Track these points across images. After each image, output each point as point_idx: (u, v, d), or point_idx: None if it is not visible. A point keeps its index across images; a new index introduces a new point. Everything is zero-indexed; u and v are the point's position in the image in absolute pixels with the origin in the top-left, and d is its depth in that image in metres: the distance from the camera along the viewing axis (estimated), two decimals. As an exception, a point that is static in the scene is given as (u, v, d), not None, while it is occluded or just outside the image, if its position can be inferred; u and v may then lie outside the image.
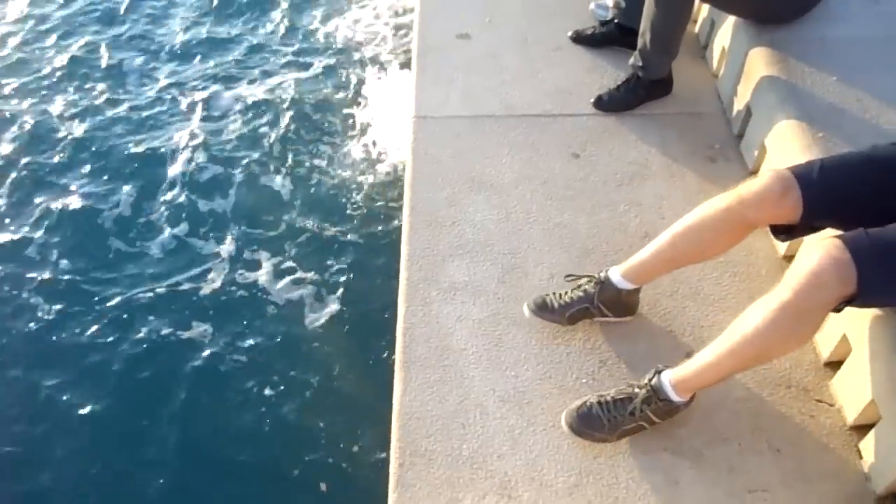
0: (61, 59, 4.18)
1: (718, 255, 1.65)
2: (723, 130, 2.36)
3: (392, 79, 3.90)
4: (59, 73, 4.11)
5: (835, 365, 1.71)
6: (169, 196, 3.38)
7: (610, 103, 2.41)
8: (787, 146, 1.93)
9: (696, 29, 2.74)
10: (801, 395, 1.70)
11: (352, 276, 3.05)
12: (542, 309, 1.76)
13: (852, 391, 1.62)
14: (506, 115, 2.45)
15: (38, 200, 3.41)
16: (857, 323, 1.57)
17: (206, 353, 2.81)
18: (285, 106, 3.77)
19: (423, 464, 1.62)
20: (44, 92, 3.99)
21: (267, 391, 2.71)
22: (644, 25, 2.22)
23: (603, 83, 2.49)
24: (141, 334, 2.88)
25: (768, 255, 1.99)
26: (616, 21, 2.57)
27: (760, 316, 1.32)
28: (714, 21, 2.56)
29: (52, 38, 4.36)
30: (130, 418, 2.67)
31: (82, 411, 2.68)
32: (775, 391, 1.71)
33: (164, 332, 2.88)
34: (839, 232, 1.34)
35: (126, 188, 3.42)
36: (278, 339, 2.86)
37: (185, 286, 3.02)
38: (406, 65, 3.67)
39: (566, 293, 1.76)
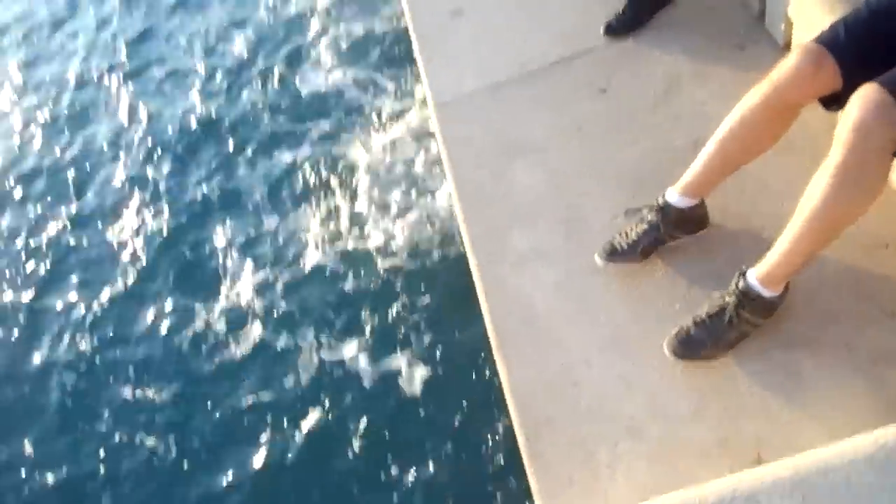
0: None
1: (770, 147, 1.61)
2: (742, 16, 2.28)
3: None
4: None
5: (927, 211, 1.65)
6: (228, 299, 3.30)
7: (620, 27, 2.36)
8: (810, 12, 1.86)
9: (684, -79, 2.64)
10: (902, 252, 1.64)
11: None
12: (613, 254, 1.77)
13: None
14: (522, 74, 2.44)
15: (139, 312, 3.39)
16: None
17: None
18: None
19: (548, 430, 1.66)
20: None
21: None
22: (627, -61, 2.17)
23: (608, 11, 2.44)
24: (260, 438, 2.80)
25: (829, 126, 1.91)
26: (600, -55, 2.52)
27: (822, 185, 1.30)
28: None
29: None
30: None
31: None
32: (872, 254, 1.66)
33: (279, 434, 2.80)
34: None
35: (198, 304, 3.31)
36: (382, 407, 2.76)
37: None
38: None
39: (631, 230, 1.75)
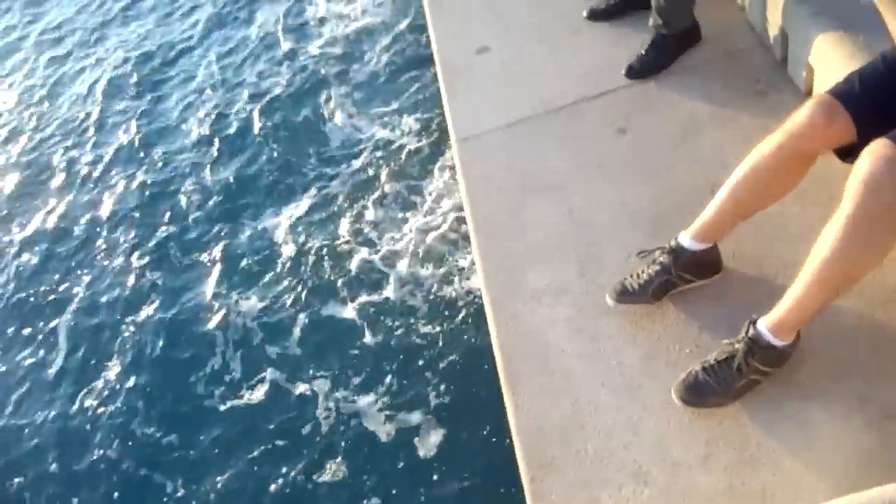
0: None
1: (785, 195, 1.61)
2: (765, 61, 2.29)
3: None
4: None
5: (946, 266, 1.62)
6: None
7: (642, 69, 2.38)
8: (831, 59, 1.86)
9: (712, -33, 2.67)
10: (918, 306, 1.62)
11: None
12: (624, 294, 1.77)
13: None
14: (544, 111, 2.47)
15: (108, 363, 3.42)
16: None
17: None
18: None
19: (553, 472, 1.65)
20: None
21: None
22: (652, -17, 2.20)
23: (630, 52, 2.47)
24: (272, 485, 2.79)
25: (847, 174, 1.90)
26: (625, -13, 2.56)
27: (832, 236, 1.29)
28: (726, -45, 2.50)
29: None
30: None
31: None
32: (889, 307, 1.64)
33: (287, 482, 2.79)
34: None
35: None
36: (395, 463, 2.76)
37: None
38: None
39: (643, 271, 1.76)
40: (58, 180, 4.53)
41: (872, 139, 1.45)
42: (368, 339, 3.11)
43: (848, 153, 1.48)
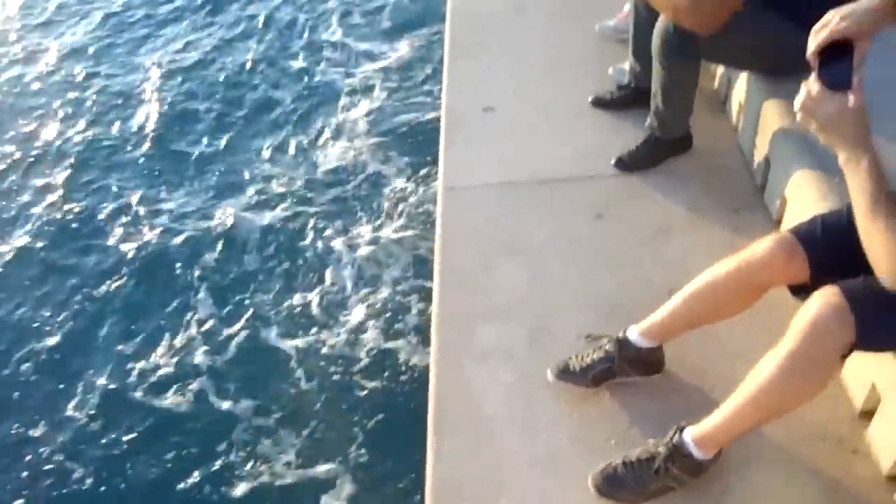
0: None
1: (735, 315, 1.67)
2: (746, 183, 2.39)
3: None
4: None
5: (870, 414, 1.69)
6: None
7: (631, 163, 2.48)
8: (804, 196, 1.96)
9: (715, 84, 2.80)
10: (836, 447, 1.68)
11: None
12: (565, 372, 1.81)
13: (887, 440, 1.60)
14: (532, 180, 2.54)
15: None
16: (886, 369, 1.57)
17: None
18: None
19: (458, 528, 1.66)
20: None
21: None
22: (654, 87, 2.31)
23: (625, 144, 2.56)
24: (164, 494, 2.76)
25: (797, 309, 1.98)
26: (633, 84, 2.66)
27: (770, 366, 1.35)
28: (730, 77, 2.62)
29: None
30: None
31: None
32: (810, 444, 1.70)
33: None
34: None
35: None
36: None
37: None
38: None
39: (588, 354, 1.80)
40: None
41: (824, 283, 1.53)
42: (302, 376, 3.12)
43: (800, 290, 1.55)
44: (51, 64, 5.26)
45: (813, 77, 1.24)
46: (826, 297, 1.30)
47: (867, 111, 1.23)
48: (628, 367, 1.77)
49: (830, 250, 1.43)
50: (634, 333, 1.74)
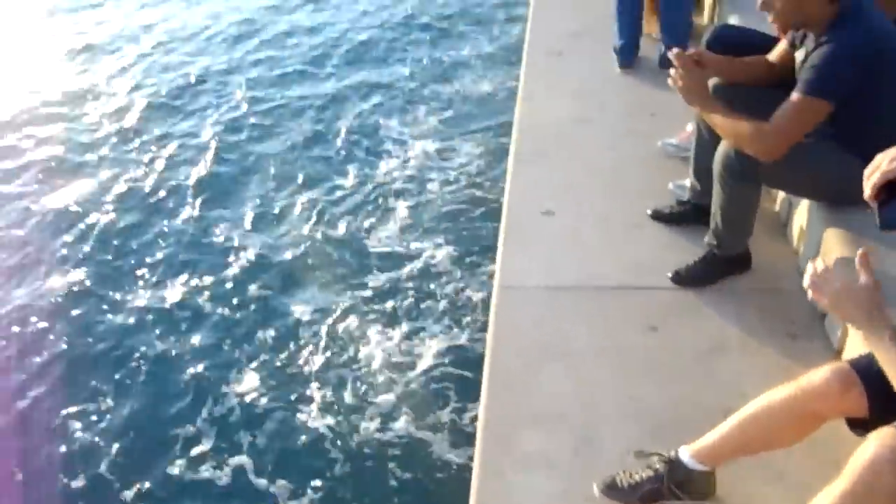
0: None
1: (791, 444, 1.63)
2: (806, 307, 2.37)
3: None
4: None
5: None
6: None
7: (687, 278, 2.49)
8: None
9: (777, 206, 2.83)
10: None
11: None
12: (612, 489, 1.77)
13: None
14: (585, 286, 2.57)
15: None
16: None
17: None
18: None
19: None
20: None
21: None
22: (714, 207, 2.35)
23: (680, 259, 2.58)
24: None
25: (857, 445, 1.92)
26: (692, 201, 2.71)
27: (825, 503, 1.30)
28: (791, 200, 2.65)
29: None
30: None
31: None
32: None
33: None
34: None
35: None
36: None
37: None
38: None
39: (636, 472, 1.76)
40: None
41: (885, 420, 1.49)
42: (338, 458, 3.12)
43: (860, 425, 1.51)
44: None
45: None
46: (883, 438, 1.26)
47: (880, 285, 1.23)
48: (678, 490, 1.72)
49: (890, 386, 1.40)
50: (686, 454, 1.70)
